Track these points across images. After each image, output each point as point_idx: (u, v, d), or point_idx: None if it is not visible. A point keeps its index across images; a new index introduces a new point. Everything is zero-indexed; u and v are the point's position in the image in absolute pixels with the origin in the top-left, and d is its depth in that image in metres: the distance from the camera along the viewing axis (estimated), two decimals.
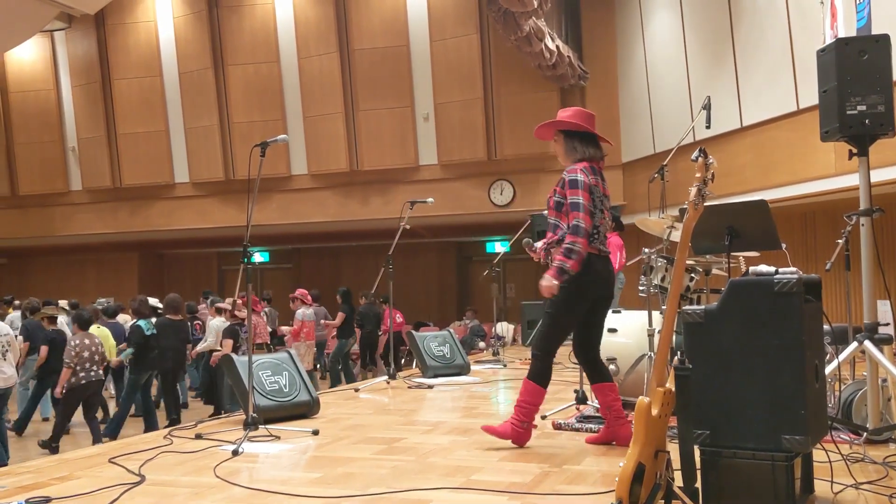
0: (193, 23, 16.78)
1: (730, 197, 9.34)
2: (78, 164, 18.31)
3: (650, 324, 5.40)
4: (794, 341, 3.02)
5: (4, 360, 7.66)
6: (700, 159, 3.05)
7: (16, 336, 8.73)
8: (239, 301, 10.16)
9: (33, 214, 18.65)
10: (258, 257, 20.91)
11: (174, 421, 9.01)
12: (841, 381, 4.71)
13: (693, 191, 3.04)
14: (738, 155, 11.78)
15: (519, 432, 4.42)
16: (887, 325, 4.34)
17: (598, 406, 4.64)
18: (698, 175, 3.05)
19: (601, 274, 4.37)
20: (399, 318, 14.16)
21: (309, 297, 12.27)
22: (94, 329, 10.21)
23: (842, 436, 4.22)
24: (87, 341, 8.41)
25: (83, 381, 8.29)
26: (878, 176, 7.79)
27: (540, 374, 4.42)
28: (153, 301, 12.52)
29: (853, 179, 9.82)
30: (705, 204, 3.12)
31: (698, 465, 3.09)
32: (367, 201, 16.19)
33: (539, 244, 4.59)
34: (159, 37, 17.14)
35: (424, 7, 15.49)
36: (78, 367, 8.26)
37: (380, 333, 13.99)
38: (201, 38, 16.70)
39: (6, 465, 7.22)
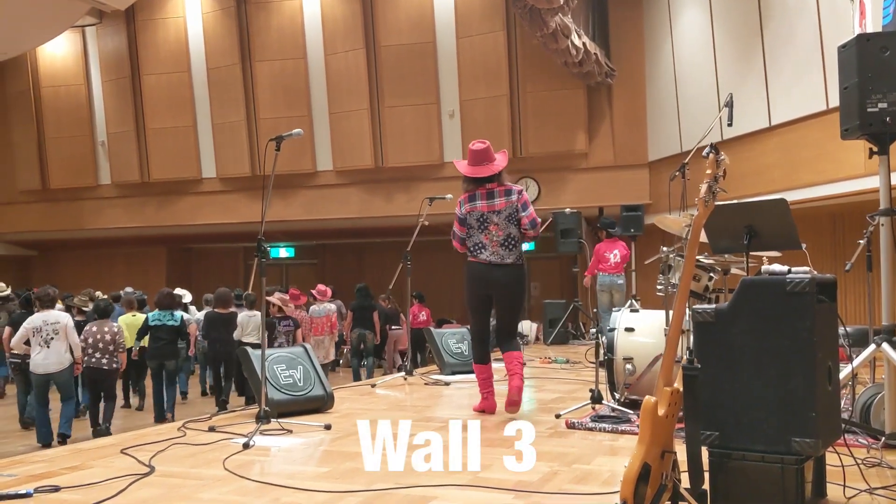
0: (222, 19, 16.90)
1: (756, 196, 9.22)
2: (107, 158, 18.53)
3: (667, 323, 5.33)
4: (806, 342, 2.96)
5: (48, 346, 7.85)
6: (711, 156, 2.99)
7: None
8: (285, 296, 10.27)
9: (63, 208, 18.91)
10: (283, 252, 21.02)
11: (223, 403, 9.57)
12: (860, 385, 4.61)
13: (703, 188, 2.99)
14: (766, 154, 11.63)
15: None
16: None
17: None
18: (709, 172, 3.00)
19: (482, 277, 5.54)
20: (423, 315, 14.17)
21: (328, 293, 12.33)
22: (128, 318, 10.28)
23: (860, 440, 4.14)
24: (94, 328, 8.54)
25: (84, 366, 8.47)
26: None
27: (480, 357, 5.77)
28: (181, 293, 12.71)
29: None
30: (721, 202, 3.06)
31: (706, 467, 3.04)
32: (391, 198, 16.21)
33: None
34: (188, 33, 17.29)
35: (451, 4, 15.47)
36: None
37: (393, 328, 14.12)
38: (229, 34, 16.83)
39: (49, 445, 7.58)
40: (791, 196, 7.64)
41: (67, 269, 20.54)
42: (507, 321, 5.75)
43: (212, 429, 4.95)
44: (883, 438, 4.01)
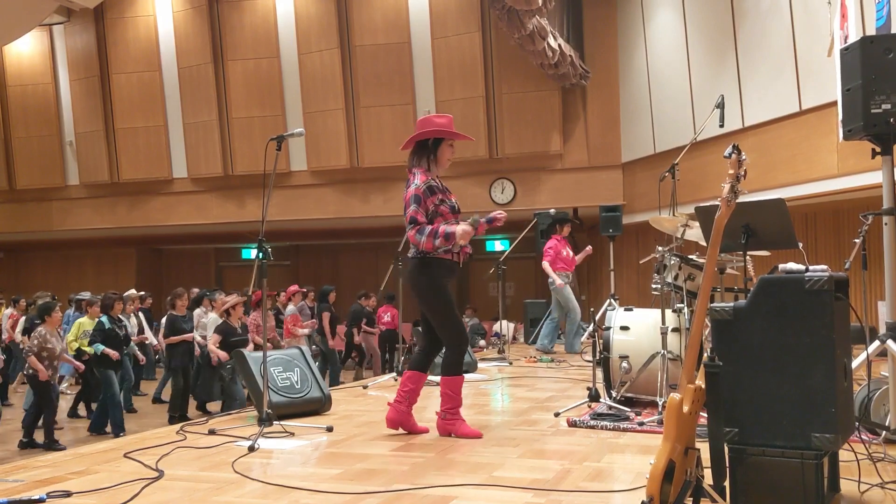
0: (193, 17, 16.72)
1: None
2: (76, 158, 18.24)
3: (663, 322, 5.39)
4: (825, 339, 3.01)
5: None
6: (733, 156, 3.04)
7: None
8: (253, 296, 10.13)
9: (31, 209, 18.57)
10: (255, 253, 20.82)
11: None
12: (868, 380, 4.69)
13: (726, 187, 3.03)
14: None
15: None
16: None
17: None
18: (731, 172, 3.04)
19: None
20: (387, 316, 14.21)
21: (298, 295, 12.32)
22: (85, 321, 10.10)
23: (860, 435, 4.22)
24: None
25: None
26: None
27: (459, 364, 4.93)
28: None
29: (855, 180, 9.86)
30: (712, 203, 3.11)
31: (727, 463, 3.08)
32: (367, 199, 16.16)
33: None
34: (158, 31, 17.08)
35: (426, 4, 15.48)
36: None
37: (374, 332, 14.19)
38: (201, 32, 16.65)
39: None
40: (766, 196, 7.74)
41: (35, 271, 20.19)
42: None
43: (212, 431, 4.91)
44: (884, 433, 4.10)
